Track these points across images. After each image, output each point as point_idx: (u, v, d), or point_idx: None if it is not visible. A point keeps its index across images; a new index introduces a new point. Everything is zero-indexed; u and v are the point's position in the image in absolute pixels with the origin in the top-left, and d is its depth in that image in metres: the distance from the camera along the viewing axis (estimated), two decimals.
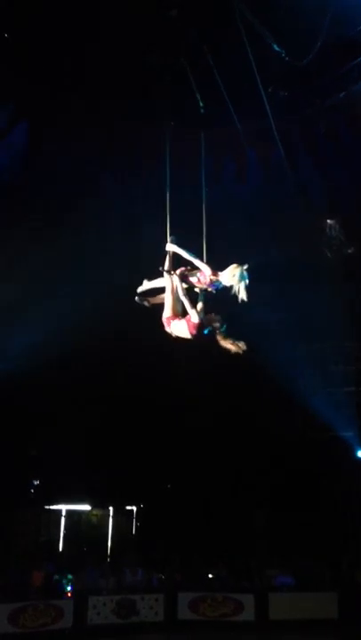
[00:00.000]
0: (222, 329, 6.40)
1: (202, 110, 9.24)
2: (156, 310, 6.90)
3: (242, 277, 6.19)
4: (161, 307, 6.71)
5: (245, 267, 6.21)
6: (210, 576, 13.54)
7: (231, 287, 6.24)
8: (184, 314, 6.53)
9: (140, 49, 9.11)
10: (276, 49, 8.45)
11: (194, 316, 6.34)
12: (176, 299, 6.59)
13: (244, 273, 6.19)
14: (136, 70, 9.38)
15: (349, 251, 13.95)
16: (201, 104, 9.27)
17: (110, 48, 9.18)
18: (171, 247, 6.76)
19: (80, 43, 9.13)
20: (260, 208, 11.97)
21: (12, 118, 10.34)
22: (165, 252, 6.80)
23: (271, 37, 8.40)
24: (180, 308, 6.59)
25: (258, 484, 15.10)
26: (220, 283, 6.38)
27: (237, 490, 15.16)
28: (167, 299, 6.62)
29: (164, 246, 6.84)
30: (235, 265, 6.26)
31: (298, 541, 14.24)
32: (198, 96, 9.29)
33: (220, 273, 6.36)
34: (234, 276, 6.21)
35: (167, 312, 6.62)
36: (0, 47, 9.13)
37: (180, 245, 6.72)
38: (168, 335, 6.62)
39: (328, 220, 13.48)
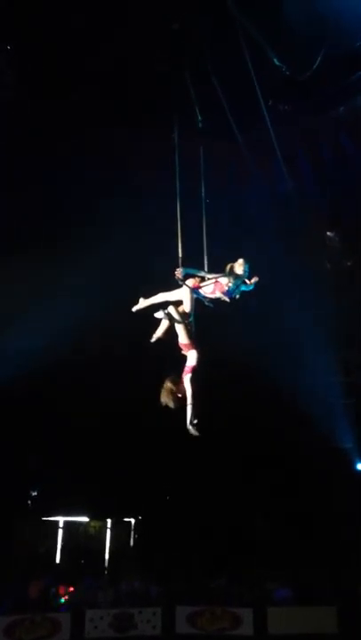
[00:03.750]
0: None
1: (200, 124, 9.26)
2: (155, 321, 6.92)
3: (245, 272, 6.79)
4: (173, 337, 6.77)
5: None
6: (209, 589, 13.45)
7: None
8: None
9: (143, 61, 9.16)
10: (277, 63, 8.50)
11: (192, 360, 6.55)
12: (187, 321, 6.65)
13: (247, 269, 6.80)
14: (139, 81, 9.44)
15: (349, 263, 14.00)
16: (200, 118, 9.27)
17: (113, 59, 9.25)
18: (180, 272, 6.80)
19: (82, 53, 9.19)
20: (261, 220, 12.01)
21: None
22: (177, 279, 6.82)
23: (272, 52, 8.46)
24: (193, 332, 6.66)
25: (257, 497, 15.04)
26: (232, 289, 6.56)
27: (237, 502, 15.08)
28: (179, 328, 6.65)
29: (172, 267, 6.88)
30: (243, 260, 6.82)
31: (298, 554, 14.15)
32: (197, 109, 9.30)
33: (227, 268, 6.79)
34: (240, 267, 6.78)
35: (183, 339, 6.66)
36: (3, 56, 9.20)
37: (187, 266, 6.84)
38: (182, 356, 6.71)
39: (328, 232, 13.54)
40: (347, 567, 13.79)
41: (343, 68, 9.51)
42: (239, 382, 14.08)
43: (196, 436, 6.52)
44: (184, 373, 6.53)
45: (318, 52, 8.52)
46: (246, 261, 6.83)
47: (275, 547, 14.62)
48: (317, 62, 8.49)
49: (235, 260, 6.89)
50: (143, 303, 7.02)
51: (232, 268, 6.80)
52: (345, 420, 15.06)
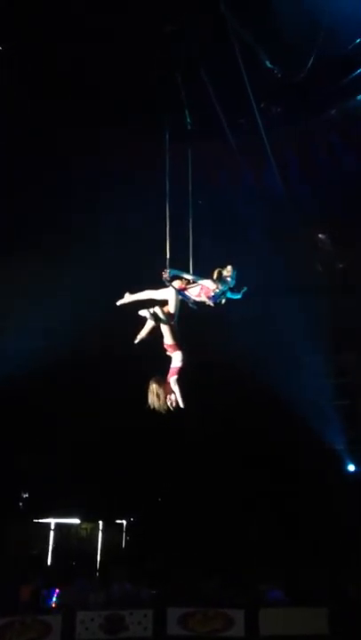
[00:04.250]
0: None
1: (189, 126, 9.27)
2: (142, 321, 6.90)
3: (232, 279, 6.81)
4: (159, 335, 6.74)
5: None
6: (201, 590, 13.44)
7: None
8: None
9: (136, 62, 9.17)
10: (269, 66, 8.53)
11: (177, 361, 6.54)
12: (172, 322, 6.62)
13: (234, 276, 6.82)
14: (132, 83, 9.46)
15: (340, 265, 14.06)
16: (188, 120, 9.28)
17: (107, 60, 9.25)
18: (167, 273, 6.78)
19: (74, 54, 9.18)
20: (254, 221, 12.03)
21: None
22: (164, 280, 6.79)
23: (264, 54, 8.49)
24: (177, 333, 6.64)
25: (250, 498, 15.05)
26: (218, 294, 6.56)
27: (230, 503, 15.09)
28: (164, 329, 6.64)
29: (161, 270, 6.86)
30: (232, 267, 6.82)
31: (290, 555, 14.17)
32: (186, 111, 9.32)
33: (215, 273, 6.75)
34: (228, 273, 6.78)
35: (168, 339, 6.65)
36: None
37: (175, 268, 6.84)
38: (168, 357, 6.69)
39: (320, 235, 13.60)
40: (338, 568, 13.83)
41: (336, 71, 9.55)
42: (231, 383, 14.10)
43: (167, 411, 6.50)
44: (169, 375, 6.51)
45: (311, 54, 8.56)
46: (234, 269, 6.83)
47: (266, 548, 14.63)
48: (310, 64, 8.53)
49: (224, 265, 6.90)
50: (128, 298, 7.03)
51: (220, 274, 6.80)
52: (336, 422, 15.11)
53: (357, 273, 13.91)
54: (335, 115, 10.42)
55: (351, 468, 15.35)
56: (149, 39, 8.84)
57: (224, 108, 9.27)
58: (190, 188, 8.07)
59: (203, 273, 6.96)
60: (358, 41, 9.05)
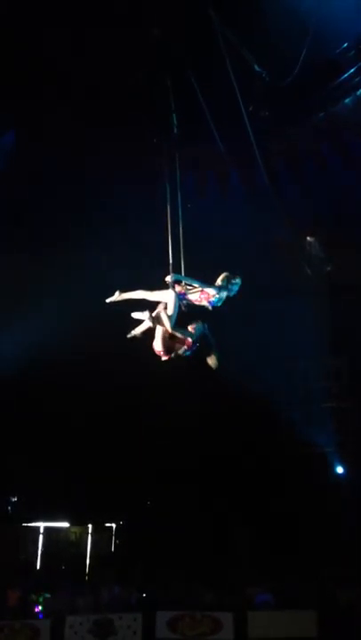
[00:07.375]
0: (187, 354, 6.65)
1: (175, 130, 9.29)
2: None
3: (236, 288, 6.84)
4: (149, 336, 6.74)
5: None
6: (190, 594, 13.41)
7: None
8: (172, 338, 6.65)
9: (125, 67, 9.18)
10: (257, 69, 8.57)
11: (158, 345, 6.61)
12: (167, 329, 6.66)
13: (237, 287, 6.84)
14: (122, 88, 9.47)
15: (329, 268, 14.13)
16: (175, 123, 9.30)
17: (96, 64, 9.25)
18: (171, 277, 6.84)
19: (67, 57, 9.18)
20: (243, 224, 12.06)
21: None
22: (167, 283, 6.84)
23: (252, 58, 8.52)
24: (168, 341, 6.67)
25: (239, 501, 15.04)
26: (217, 300, 6.59)
27: (218, 506, 15.07)
28: (159, 332, 6.65)
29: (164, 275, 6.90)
30: (239, 277, 6.86)
31: (279, 558, 14.17)
32: (174, 116, 9.34)
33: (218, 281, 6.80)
34: (236, 284, 6.80)
35: (158, 345, 6.66)
36: None
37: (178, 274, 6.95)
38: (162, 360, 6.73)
39: (308, 238, 13.66)
40: (327, 571, 13.84)
41: (323, 75, 9.62)
42: (219, 386, 14.09)
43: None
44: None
45: (298, 58, 8.60)
46: (240, 279, 6.87)
47: (256, 551, 14.63)
48: (297, 69, 8.58)
49: (233, 273, 6.92)
50: (119, 296, 6.99)
51: (228, 280, 6.84)
52: (326, 425, 15.14)
53: (346, 276, 13.98)
54: (323, 118, 10.49)
55: (340, 470, 15.39)
56: (138, 44, 8.85)
57: (213, 111, 9.28)
58: (179, 193, 8.05)
59: (196, 277, 7.01)
60: (345, 45, 9.14)
